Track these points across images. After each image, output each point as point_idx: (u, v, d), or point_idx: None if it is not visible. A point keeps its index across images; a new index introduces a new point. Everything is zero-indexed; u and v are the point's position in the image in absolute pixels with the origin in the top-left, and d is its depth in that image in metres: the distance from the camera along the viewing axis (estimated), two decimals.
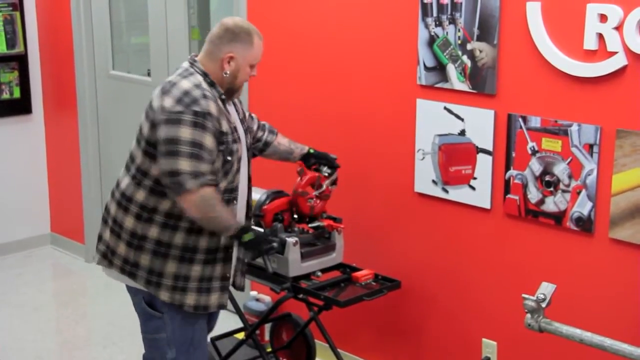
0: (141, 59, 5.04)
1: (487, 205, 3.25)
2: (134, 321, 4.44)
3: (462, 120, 3.27)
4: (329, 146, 3.51)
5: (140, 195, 2.78)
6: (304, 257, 3.25)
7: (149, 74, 4.84)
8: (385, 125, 3.56)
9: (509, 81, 3.11)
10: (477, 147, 3.24)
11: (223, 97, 2.84)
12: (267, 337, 4.00)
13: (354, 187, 3.69)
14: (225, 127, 2.78)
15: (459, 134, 3.29)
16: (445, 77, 3.29)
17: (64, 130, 5.37)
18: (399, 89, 3.47)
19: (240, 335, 3.73)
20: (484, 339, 3.37)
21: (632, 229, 2.84)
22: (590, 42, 2.83)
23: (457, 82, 3.25)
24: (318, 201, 3.31)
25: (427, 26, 3.31)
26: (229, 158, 2.80)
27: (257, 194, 3.33)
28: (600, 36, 2.81)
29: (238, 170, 2.88)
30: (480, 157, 3.24)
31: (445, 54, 3.27)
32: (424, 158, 3.43)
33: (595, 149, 2.89)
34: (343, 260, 3.42)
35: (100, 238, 2.94)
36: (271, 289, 3.31)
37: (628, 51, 2.75)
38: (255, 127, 3.22)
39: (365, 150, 3.64)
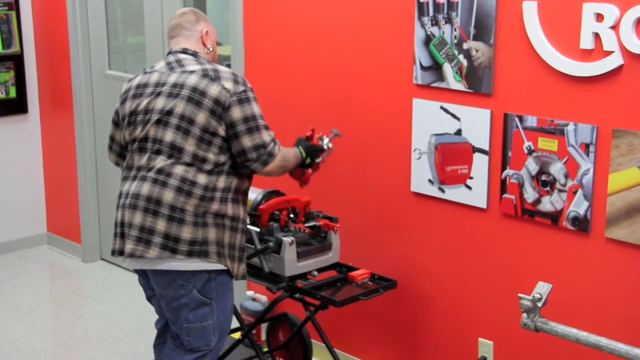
0: (137, 59, 5.04)
1: (484, 205, 3.25)
2: (131, 321, 4.49)
3: (459, 119, 3.27)
4: None
5: (202, 179, 2.84)
6: (300, 256, 3.25)
7: None
8: (381, 125, 3.55)
9: (505, 81, 3.10)
10: (473, 146, 3.24)
11: None
12: (263, 336, 4.00)
13: (350, 186, 3.69)
14: None
15: (455, 134, 3.29)
16: (441, 77, 3.29)
17: (60, 130, 5.36)
18: (395, 89, 3.46)
19: (237, 335, 3.73)
20: (480, 339, 3.37)
21: (628, 229, 2.84)
22: (586, 42, 2.83)
23: (453, 81, 3.25)
24: (309, 170, 3.27)
25: (423, 25, 3.30)
26: None
27: (253, 194, 3.33)
28: (597, 35, 2.80)
29: None
30: (477, 156, 3.23)
31: (441, 53, 3.27)
32: (420, 157, 3.43)
33: (592, 148, 2.89)
34: (339, 259, 3.42)
35: (150, 232, 2.82)
36: (267, 289, 3.30)
37: (624, 50, 2.75)
38: None
39: (361, 150, 3.64)
